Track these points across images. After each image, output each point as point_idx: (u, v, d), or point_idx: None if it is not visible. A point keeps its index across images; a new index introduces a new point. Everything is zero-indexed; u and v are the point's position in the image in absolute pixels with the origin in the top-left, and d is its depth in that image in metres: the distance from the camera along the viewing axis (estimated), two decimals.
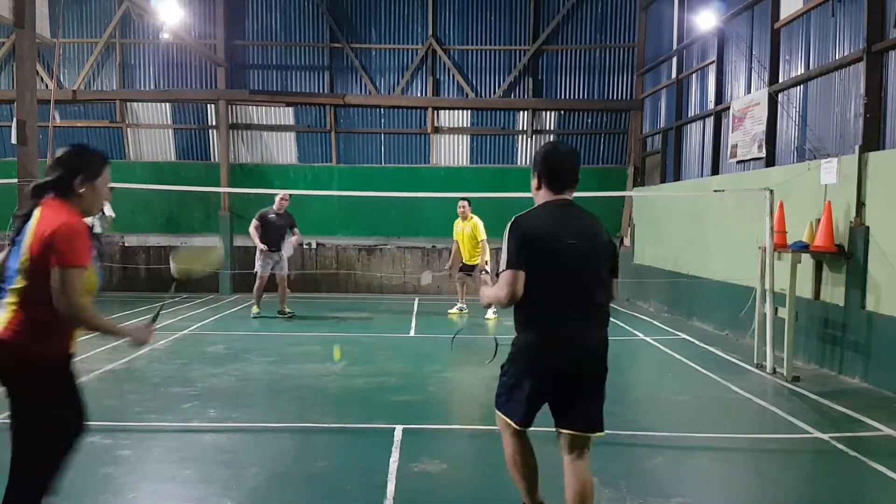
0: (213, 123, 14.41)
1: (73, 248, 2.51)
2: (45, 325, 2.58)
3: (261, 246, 10.28)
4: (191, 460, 4.42)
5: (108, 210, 12.10)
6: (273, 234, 10.35)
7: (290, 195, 10.65)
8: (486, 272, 11.17)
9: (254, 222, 10.38)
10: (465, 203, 10.71)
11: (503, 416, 3.22)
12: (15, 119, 7.16)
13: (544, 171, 3.11)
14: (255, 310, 10.50)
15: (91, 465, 4.26)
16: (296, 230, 10.68)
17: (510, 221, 3.05)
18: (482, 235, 10.68)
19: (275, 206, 10.40)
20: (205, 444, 4.78)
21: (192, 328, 9.52)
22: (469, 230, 10.72)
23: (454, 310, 11.21)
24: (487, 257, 10.72)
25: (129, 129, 14.40)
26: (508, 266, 2.97)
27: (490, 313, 10.42)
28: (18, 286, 2.59)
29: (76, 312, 2.54)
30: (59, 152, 2.79)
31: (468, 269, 11.01)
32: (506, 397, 3.19)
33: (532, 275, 2.96)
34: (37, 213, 2.63)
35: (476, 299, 10.79)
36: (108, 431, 4.90)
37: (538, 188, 3.15)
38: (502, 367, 3.24)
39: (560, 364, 3.07)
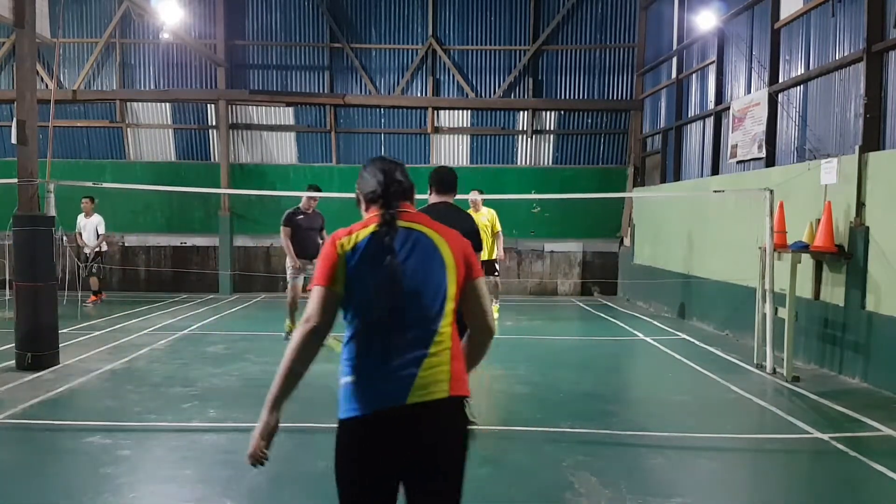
0: (213, 123, 14.40)
1: (476, 258, 2.28)
2: (462, 359, 2.21)
3: (295, 262, 8.41)
4: (191, 460, 4.42)
5: (102, 228, 12.10)
6: (302, 239, 8.54)
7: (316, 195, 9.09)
8: (497, 272, 10.97)
9: (283, 229, 8.47)
10: (478, 193, 10.00)
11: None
12: (15, 119, 7.14)
13: (433, 182, 4.81)
14: (288, 326, 8.44)
15: (91, 465, 4.27)
16: (324, 233, 8.91)
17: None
18: (499, 227, 10.29)
19: (302, 205, 8.68)
20: (205, 444, 4.78)
21: (192, 328, 9.51)
22: (486, 220, 10.02)
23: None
24: (502, 252, 10.45)
25: (129, 129, 14.40)
26: None
27: (495, 313, 10.50)
28: (448, 321, 2.16)
29: (494, 325, 2.27)
30: (394, 161, 2.36)
31: (485, 268, 10.71)
32: None
33: None
34: (428, 231, 2.21)
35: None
36: (108, 431, 4.90)
37: (430, 193, 4.79)
38: None
39: None
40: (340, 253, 2.14)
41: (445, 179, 4.84)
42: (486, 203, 10.90)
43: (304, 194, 8.89)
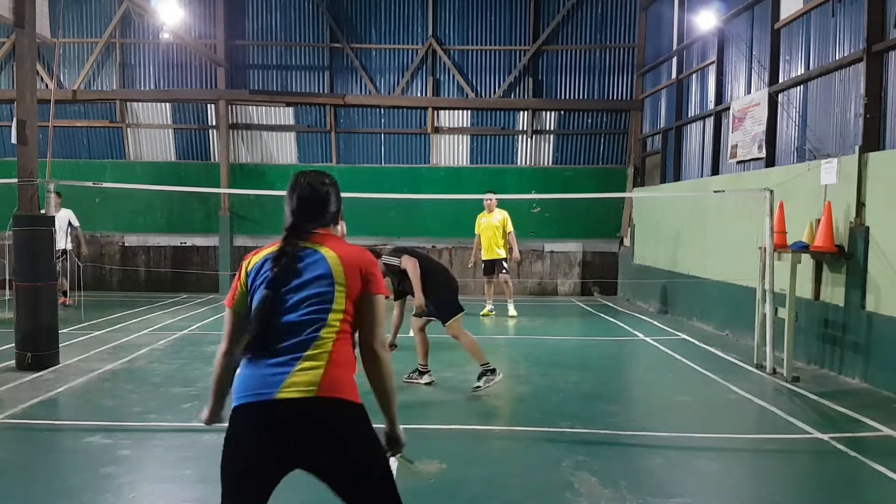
0: (213, 123, 14.41)
1: (379, 276, 2.40)
2: (353, 367, 2.31)
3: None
4: (191, 460, 4.42)
5: (75, 220, 11.39)
6: None
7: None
8: (506, 270, 11.67)
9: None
10: (493, 195, 10.90)
11: (461, 317, 6.15)
12: (15, 119, 7.15)
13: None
14: None
15: (91, 465, 4.27)
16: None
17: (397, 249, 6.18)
18: (511, 227, 11.03)
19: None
20: (205, 444, 4.78)
21: (192, 328, 9.51)
22: (497, 222, 10.90)
23: (486, 310, 11.17)
24: (518, 252, 11.26)
25: (129, 129, 14.40)
26: (401, 255, 6.09)
27: (512, 310, 10.97)
28: (332, 329, 2.25)
29: (383, 346, 2.36)
30: (319, 185, 2.47)
31: (491, 267, 11.03)
32: (451, 308, 6.14)
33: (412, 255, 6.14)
34: (324, 250, 2.35)
35: (499, 299, 10.93)
36: (108, 431, 4.91)
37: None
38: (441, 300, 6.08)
39: (456, 284, 6.40)
40: (243, 274, 2.40)
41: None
42: (481, 203, 11.03)
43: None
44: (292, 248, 2.33)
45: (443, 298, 6.08)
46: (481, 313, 11.07)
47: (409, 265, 5.98)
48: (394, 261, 6.04)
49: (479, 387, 6.03)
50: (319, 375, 2.18)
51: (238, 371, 2.28)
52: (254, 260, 2.41)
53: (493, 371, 6.05)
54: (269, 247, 2.41)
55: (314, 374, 2.18)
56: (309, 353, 2.20)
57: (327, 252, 2.35)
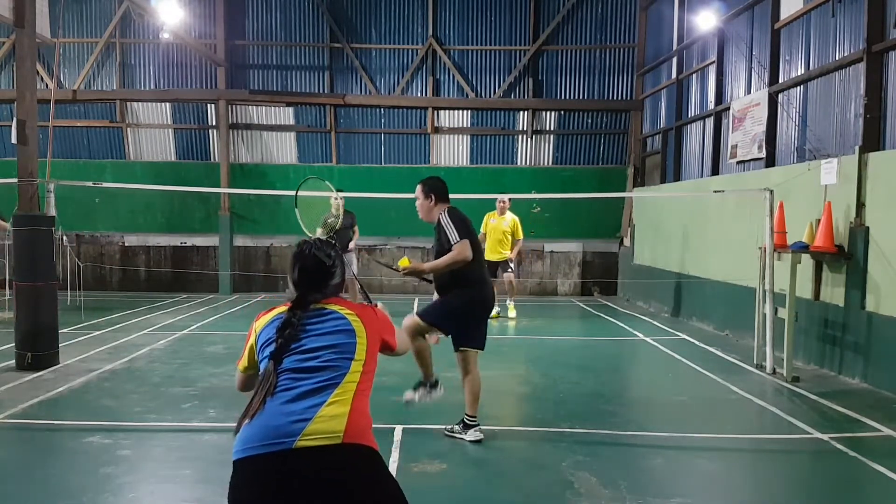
0: (213, 123, 14.41)
1: (393, 336, 2.54)
2: (371, 424, 2.20)
3: None
4: (191, 460, 4.42)
5: None
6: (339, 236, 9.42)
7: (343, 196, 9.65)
8: (511, 269, 11.44)
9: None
10: (507, 197, 10.79)
11: (431, 325, 4.69)
12: (15, 119, 7.16)
13: (440, 193, 4.91)
14: None
15: (91, 465, 4.27)
16: (356, 229, 10.65)
17: (449, 208, 4.87)
18: (521, 234, 10.93)
19: (333, 210, 9.19)
20: (205, 444, 4.78)
21: (192, 328, 9.51)
22: (507, 226, 10.70)
23: (493, 313, 10.99)
24: (515, 252, 11.16)
25: (129, 129, 14.40)
26: (461, 237, 4.64)
27: (511, 310, 10.96)
28: (353, 380, 2.19)
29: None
30: (325, 257, 2.45)
31: (495, 268, 10.79)
32: (440, 317, 4.71)
33: (473, 243, 4.67)
34: (338, 307, 2.34)
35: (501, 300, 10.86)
36: (108, 431, 4.90)
37: (435, 203, 4.90)
38: (446, 301, 4.79)
39: (489, 306, 4.95)
40: (253, 336, 2.39)
41: (446, 189, 5.04)
42: (487, 203, 10.98)
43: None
44: (298, 319, 2.28)
45: (478, 322, 4.83)
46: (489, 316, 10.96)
47: (464, 250, 4.63)
48: (452, 231, 4.70)
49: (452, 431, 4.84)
50: (343, 423, 2.05)
51: (246, 417, 2.11)
52: (263, 321, 2.37)
53: (477, 425, 4.79)
54: (279, 308, 2.37)
55: (338, 421, 2.05)
56: (331, 399, 2.08)
57: (342, 309, 2.35)
